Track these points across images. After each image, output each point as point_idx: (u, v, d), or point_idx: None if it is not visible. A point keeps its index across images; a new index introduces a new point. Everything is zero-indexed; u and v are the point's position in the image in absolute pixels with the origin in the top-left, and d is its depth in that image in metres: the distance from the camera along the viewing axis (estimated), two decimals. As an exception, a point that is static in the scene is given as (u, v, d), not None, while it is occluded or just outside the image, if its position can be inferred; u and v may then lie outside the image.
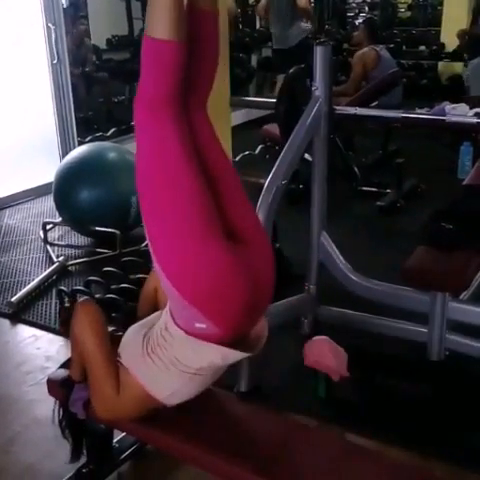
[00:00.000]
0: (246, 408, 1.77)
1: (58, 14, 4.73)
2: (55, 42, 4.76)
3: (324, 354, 2.19)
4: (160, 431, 1.58)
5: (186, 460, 1.71)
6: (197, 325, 1.39)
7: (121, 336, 1.69)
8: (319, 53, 2.32)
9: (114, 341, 1.66)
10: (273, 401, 2.28)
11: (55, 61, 4.81)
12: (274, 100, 2.53)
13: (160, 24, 1.24)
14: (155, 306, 1.80)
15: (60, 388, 1.71)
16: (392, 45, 7.12)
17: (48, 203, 4.34)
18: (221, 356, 1.44)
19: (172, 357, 1.47)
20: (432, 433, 2.12)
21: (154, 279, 1.81)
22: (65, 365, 1.77)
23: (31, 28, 4.72)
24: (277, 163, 2.30)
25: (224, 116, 3.01)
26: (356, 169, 4.58)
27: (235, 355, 1.45)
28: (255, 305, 1.43)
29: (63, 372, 1.75)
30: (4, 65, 4.57)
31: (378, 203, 4.15)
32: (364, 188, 4.50)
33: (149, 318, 1.65)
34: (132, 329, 1.64)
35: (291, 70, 2.55)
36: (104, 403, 1.59)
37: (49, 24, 4.73)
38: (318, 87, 2.34)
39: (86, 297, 1.99)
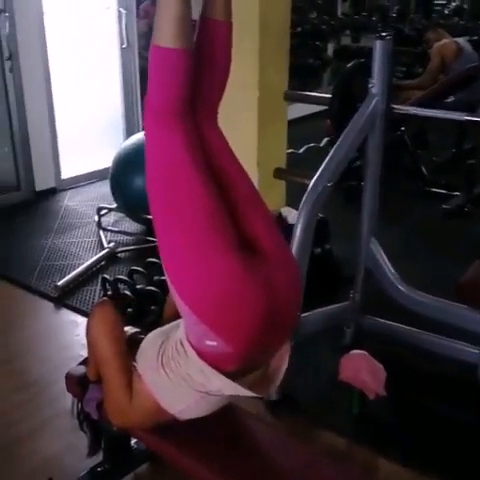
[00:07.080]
0: (266, 429, 1.67)
1: (130, -1, 4.74)
2: (125, 27, 4.78)
3: (361, 370, 2.06)
4: (172, 446, 1.51)
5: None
6: (208, 342, 1.31)
7: (143, 339, 1.64)
8: (378, 47, 2.16)
9: (135, 343, 1.62)
10: (302, 413, 2.18)
11: (124, 45, 4.83)
12: (329, 95, 2.39)
13: (166, 33, 1.24)
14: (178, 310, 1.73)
15: (76, 386, 1.68)
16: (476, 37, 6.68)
17: (108, 187, 4.37)
18: (230, 389, 1.36)
19: (184, 373, 1.40)
20: (475, 467, 1.95)
21: None
22: (85, 362, 1.74)
23: (105, 13, 4.76)
24: (325, 162, 2.17)
25: (278, 110, 2.87)
26: (424, 168, 4.34)
27: (244, 393, 1.35)
28: (273, 324, 1.31)
29: (82, 368, 1.72)
30: (76, 49, 4.62)
31: (443, 206, 3.91)
32: (431, 189, 4.25)
33: (168, 326, 1.57)
34: (151, 336, 1.58)
35: (349, 64, 2.39)
36: (117, 409, 1.55)
37: (121, 9, 4.75)
38: (375, 84, 2.18)
39: (104, 298, 1.96)
